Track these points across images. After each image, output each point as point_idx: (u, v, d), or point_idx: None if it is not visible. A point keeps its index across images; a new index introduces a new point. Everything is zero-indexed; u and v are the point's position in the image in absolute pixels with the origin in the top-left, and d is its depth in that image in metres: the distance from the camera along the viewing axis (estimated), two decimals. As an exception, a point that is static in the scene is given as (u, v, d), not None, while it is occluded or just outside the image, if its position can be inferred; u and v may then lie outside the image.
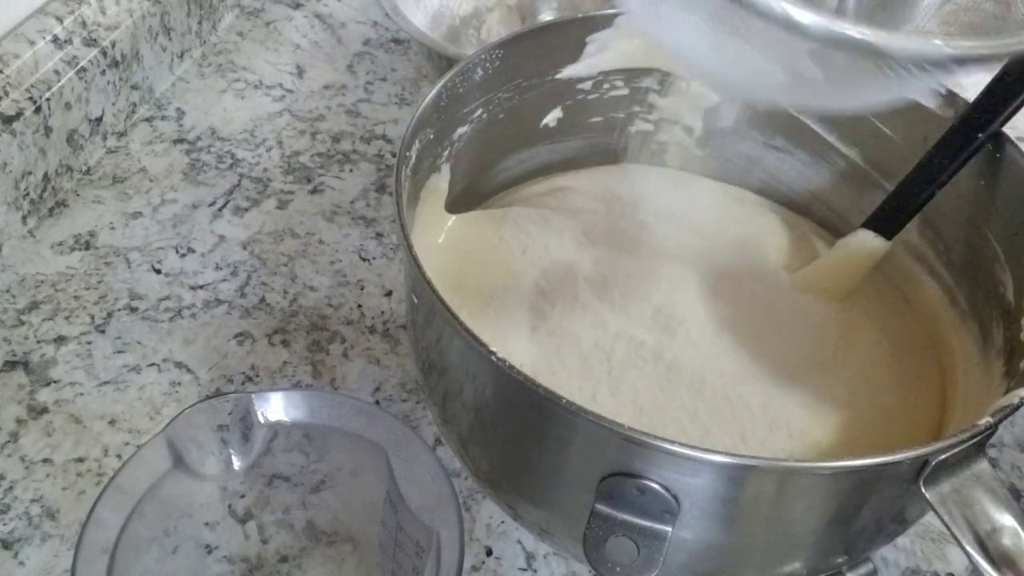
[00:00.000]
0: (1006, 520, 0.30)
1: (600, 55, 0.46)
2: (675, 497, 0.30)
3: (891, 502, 0.32)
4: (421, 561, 0.34)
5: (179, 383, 0.49)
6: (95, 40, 0.58)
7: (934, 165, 0.41)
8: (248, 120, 0.65)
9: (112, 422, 0.47)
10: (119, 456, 0.45)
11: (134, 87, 0.63)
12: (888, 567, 0.43)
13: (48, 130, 0.55)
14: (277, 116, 0.65)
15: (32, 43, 0.55)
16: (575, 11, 0.67)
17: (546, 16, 0.68)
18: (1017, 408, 0.31)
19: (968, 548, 0.29)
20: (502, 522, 0.44)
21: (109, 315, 0.51)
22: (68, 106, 0.56)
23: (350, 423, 0.35)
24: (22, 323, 0.51)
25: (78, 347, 0.50)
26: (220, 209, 0.58)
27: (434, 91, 0.41)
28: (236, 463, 0.35)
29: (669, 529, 0.31)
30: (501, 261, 0.46)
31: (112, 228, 0.56)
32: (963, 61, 0.26)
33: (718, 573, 0.34)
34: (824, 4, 0.63)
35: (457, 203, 0.47)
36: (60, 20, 0.57)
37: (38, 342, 0.50)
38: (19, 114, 0.52)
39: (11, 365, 0.49)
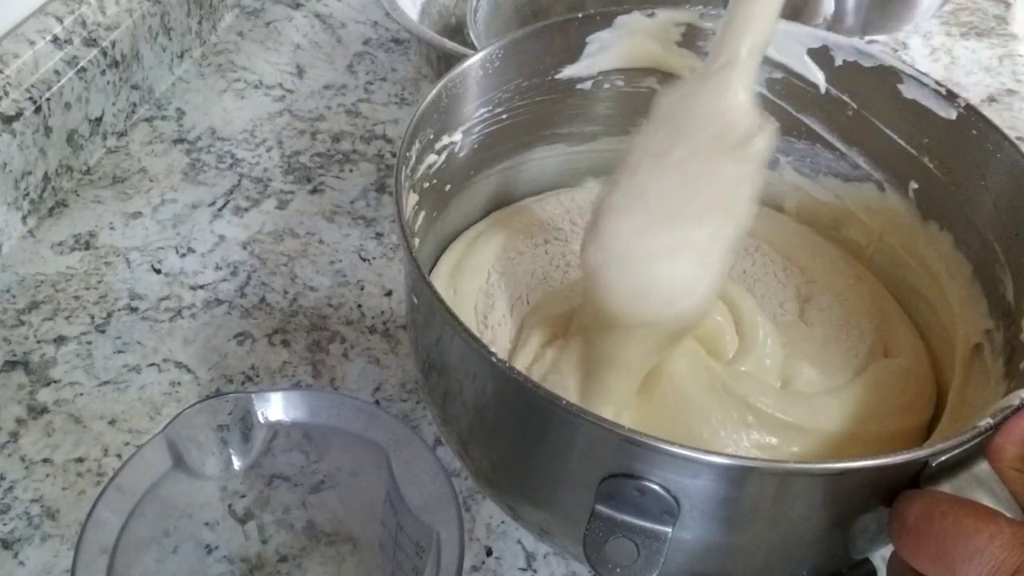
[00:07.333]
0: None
1: (600, 55, 0.46)
2: (675, 498, 0.30)
3: (891, 503, 0.32)
4: (421, 561, 0.34)
5: (179, 383, 0.49)
6: (95, 40, 0.58)
7: None
8: (248, 120, 0.65)
9: (112, 422, 0.47)
10: (119, 456, 0.45)
11: (134, 87, 0.63)
12: (888, 567, 0.43)
13: (48, 130, 0.55)
14: (277, 116, 0.65)
15: (32, 43, 0.55)
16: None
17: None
18: (1017, 408, 0.30)
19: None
20: (502, 522, 0.44)
21: (109, 315, 0.51)
22: (68, 106, 0.56)
23: (350, 423, 0.35)
24: (22, 323, 0.51)
25: (78, 347, 0.50)
26: (220, 209, 0.58)
27: (434, 91, 0.41)
28: (236, 463, 0.35)
29: (669, 530, 0.31)
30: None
31: (112, 228, 0.56)
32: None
33: (718, 574, 0.34)
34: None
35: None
36: (60, 20, 0.57)
37: (38, 342, 0.50)
38: (19, 114, 0.52)
39: (11, 365, 0.49)
